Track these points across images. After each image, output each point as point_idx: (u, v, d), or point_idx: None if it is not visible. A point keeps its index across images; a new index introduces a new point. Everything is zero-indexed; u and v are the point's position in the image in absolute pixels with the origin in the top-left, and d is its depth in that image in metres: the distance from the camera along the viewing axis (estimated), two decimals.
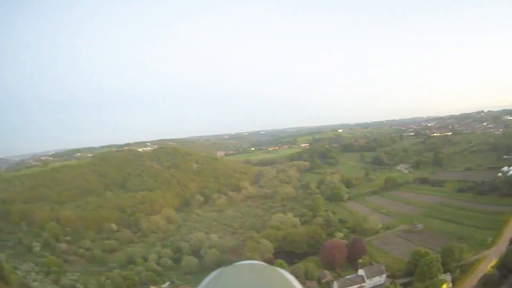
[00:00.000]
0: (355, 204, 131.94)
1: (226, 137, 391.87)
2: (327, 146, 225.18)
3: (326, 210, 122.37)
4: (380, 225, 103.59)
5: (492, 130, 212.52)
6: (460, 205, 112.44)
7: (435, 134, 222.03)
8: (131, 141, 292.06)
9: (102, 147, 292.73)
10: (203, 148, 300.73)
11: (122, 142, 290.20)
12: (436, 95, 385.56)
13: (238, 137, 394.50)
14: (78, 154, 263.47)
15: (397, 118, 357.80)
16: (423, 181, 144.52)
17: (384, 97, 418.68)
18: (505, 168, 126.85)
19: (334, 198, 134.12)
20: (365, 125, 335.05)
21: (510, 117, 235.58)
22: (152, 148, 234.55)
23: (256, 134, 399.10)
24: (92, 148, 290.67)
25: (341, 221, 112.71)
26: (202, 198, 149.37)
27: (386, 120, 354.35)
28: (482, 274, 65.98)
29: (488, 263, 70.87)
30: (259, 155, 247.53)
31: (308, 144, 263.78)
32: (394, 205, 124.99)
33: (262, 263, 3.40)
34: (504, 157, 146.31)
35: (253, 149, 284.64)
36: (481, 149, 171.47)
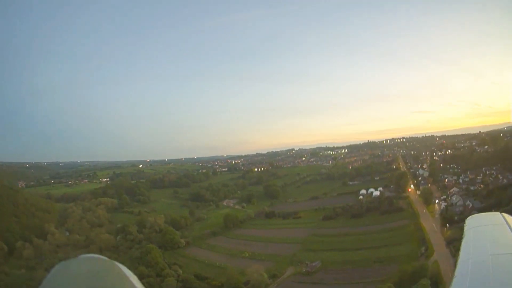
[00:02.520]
0: (200, 250, 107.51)
1: (27, 166, 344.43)
2: (133, 181, 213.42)
3: (169, 265, 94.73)
4: (265, 275, 79.94)
5: (319, 162, 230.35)
6: (341, 232, 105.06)
7: (254, 169, 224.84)
8: None
9: None
10: (4, 176, 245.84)
11: None
12: (234, 136, 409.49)
13: (38, 166, 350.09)
14: None
15: (195, 157, 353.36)
16: (269, 215, 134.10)
17: (180, 136, 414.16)
18: (363, 191, 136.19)
19: (168, 245, 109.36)
20: (163, 162, 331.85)
21: (331, 151, 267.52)
22: None
23: (55, 165, 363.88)
24: None
25: (201, 278, 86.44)
26: (6, 247, 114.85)
27: (184, 158, 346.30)
28: None
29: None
30: (60, 189, 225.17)
31: (108, 179, 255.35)
32: (255, 246, 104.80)
33: (102, 257, 3.74)
34: (350, 183, 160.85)
35: (53, 181, 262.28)
36: (316, 179, 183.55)
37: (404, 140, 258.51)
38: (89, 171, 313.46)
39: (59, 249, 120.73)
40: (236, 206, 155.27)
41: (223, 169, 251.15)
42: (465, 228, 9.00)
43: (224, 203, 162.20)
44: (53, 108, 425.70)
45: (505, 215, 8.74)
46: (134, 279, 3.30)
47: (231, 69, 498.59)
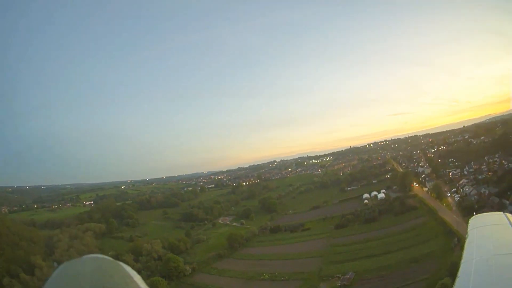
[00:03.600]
0: (210, 276, 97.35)
1: (10, 190, 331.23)
2: (118, 203, 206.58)
3: None
4: None
5: (308, 171, 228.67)
6: (360, 238, 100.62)
7: (243, 184, 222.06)
8: None
9: None
10: None
11: None
12: (213, 152, 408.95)
13: (20, 190, 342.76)
14: None
15: (175, 175, 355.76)
16: (275, 230, 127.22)
17: (159, 155, 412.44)
18: (367, 195, 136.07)
19: (173, 274, 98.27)
20: (145, 182, 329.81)
21: (316, 160, 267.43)
22: None
23: (37, 189, 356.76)
24: None
25: None
26: None
27: (165, 177, 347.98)
28: None
29: None
30: (43, 214, 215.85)
31: (92, 202, 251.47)
32: (271, 265, 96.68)
33: (107, 257, 3.73)
34: (348, 188, 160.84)
35: (36, 206, 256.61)
36: (310, 188, 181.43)
37: (387, 142, 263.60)
38: (71, 194, 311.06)
39: None
40: (235, 223, 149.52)
41: (210, 186, 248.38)
42: (468, 228, 9.00)
43: (220, 221, 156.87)
44: (33, 130, 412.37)
45: (509, 215, 8.85)
46: (138, 279, 3.38)
47: (204, 85, 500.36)
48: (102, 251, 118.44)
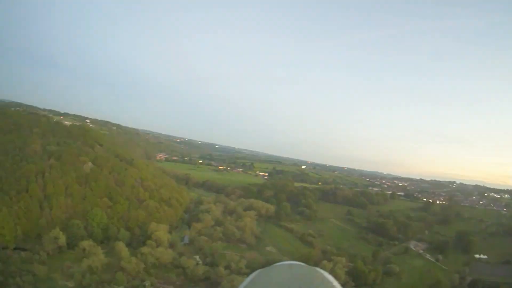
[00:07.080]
0: None
1: (178, 140, 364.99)
2: (296, 185, 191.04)
3: None
4: None
5: (494, 207, 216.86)
6: None
7: (436, 202, 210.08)
8: (79, 112, 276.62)
9: (44, 109, 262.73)
10: (145, 144, 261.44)
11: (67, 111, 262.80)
12: (395, 155, 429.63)
13: (190, 143, 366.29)
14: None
15: (356, 168, 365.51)
16: (472, 285, 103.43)
17: (343, 144, 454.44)
18: None
19: None
20: (325, 168, 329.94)
21: (496, 195, 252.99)
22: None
23: (209, 146, 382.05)
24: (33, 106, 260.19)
25: None
26: (63, 238, 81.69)
27: (346, 167, 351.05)
28: None
29: None
30: (205, 172, 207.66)
31: (267, 174, 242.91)
32: None
33: (302, 263, 3.78)
34: None
35: (200, 161, 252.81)
36: (498, 231, 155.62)
37: None
38: (245, 160, 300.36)
39: (152, 270, 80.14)
40: (428, 256, 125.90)
41: (399, 193, 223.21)
42: None
43: (412, 247, 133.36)
44: (216, 93, 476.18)
45: None
46: (337, 285, 3.37)
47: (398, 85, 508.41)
48: (260, 242, 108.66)
